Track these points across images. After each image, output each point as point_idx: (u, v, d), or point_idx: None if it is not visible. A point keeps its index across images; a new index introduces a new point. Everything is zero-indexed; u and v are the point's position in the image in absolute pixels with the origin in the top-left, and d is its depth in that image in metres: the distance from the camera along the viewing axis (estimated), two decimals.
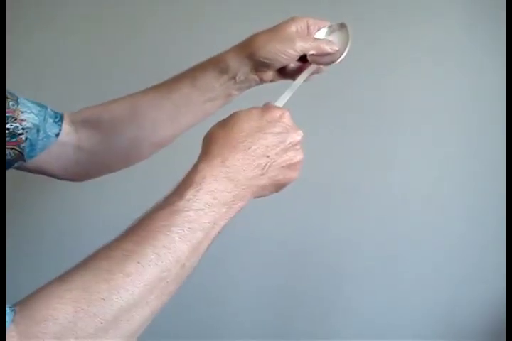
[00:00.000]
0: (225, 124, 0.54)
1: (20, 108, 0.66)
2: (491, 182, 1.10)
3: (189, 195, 0.48)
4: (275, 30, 0.66)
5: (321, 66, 0.68)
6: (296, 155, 0.55)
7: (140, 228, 0.46)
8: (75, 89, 1.07)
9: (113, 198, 1.11)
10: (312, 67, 0.67)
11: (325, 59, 0.68)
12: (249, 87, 0.70)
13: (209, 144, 0.52)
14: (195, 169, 0.50)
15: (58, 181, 0.74)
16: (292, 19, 0.67)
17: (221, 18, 1.06)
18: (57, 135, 0.69)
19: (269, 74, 0.69)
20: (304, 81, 0.67)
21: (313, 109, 1.09)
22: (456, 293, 1.14)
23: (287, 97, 0.61)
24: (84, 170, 0.73)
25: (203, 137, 0.54)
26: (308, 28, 0.67)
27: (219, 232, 0.49)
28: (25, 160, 0.67)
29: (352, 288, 1.16)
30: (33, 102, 0.68)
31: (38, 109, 0.68)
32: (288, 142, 0.54)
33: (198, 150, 0.56)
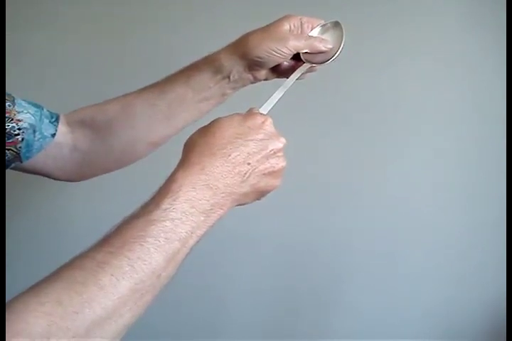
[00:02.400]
0: (205, 131, 0.53)
1: (17, 108, 0.66)
2: (491, 181, 1.09)
3: (166, 203, 0.47)
4: (268, 28, 0.66)
5: (315, 65, 0.68)
6: (279, 163, 0.54)
7: (116, 237, 0.45)
8: (74, 89, 1.08)
9: (109, 197, 1.12)
10: (305, 66, 0.67)
11: (318, 57, 0.68)
12: (243, 86, 0.70)
13: (188, 151, 0.52)
14: (173, 177, 0.49)
15: (54, 181, 0.74)
16: (286, 17, 0.67)
17: (220, 18, 1.06)
18: (53, 135, 0.69)
19: (263, 72, 0.69)
20: (298, 79, 0.67)
21: (311, 109, 1.09)
22: (456, 293, 1.14)
23: (275, 100, 0.60)
24: (80, 170, 0.73)
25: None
26: (301, 26, 0.67)
27: (198, 241, 0.49)
28: (21, 161, 0.68)
29: (351, 288, 1.16)
30: (29, 102, 0.68)
31: (34, 109, 0.68)
32: (270, 149, 0.53)
33: None
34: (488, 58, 1.06)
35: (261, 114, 0.56)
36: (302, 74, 0.67)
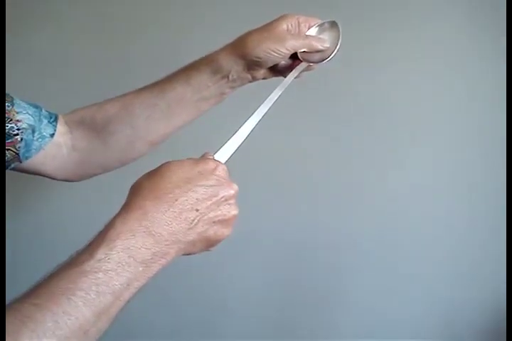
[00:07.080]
0: (153, 174, 0.50)
1: (16, 108, 0.66)
2: (491, 180, 1.10)
3: (100, 253, 0.44)
4: (266, 29, 0.67)
5: (312, 64, 0.69)
6: (230, 211, 0.51)
7: (44, 288, 0.42)
8: (73, 89, 1.08)
9: (108, 197, 1.11)
10: (302, 66, 0.68)
11: (315, 57, 0.68)
12: (241, 85, 0.71)
13: (132, 195, 0.49)
14: (111, 223, 0.46)
15: (53, 181, 0.75)
16: (283, 17, 0.67)
17: (220, 18, 1.07)
18: (52, 135, 0.69)
19: (261, 72, 0.69)
20: (295, 77, 0.67)
21: (311, 109, 1.09)
22: (456, 293, 1.14)
23: (234, 147, 0.57)
24: (79, 169, 0.74)
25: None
26: (299, 25, 0.68)
27: (136, 293, 0.45)
28: (21, 161, 0.68)
29: (352, 288, 1.16)
30: (27, 103, 0.69)
31: (33, 109, 0.68)
32: (221, 196, 0.50)
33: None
34: (488, 60, 1.07)
35: (214, 160, 0.54)
36: (299, 73, 0.68)
